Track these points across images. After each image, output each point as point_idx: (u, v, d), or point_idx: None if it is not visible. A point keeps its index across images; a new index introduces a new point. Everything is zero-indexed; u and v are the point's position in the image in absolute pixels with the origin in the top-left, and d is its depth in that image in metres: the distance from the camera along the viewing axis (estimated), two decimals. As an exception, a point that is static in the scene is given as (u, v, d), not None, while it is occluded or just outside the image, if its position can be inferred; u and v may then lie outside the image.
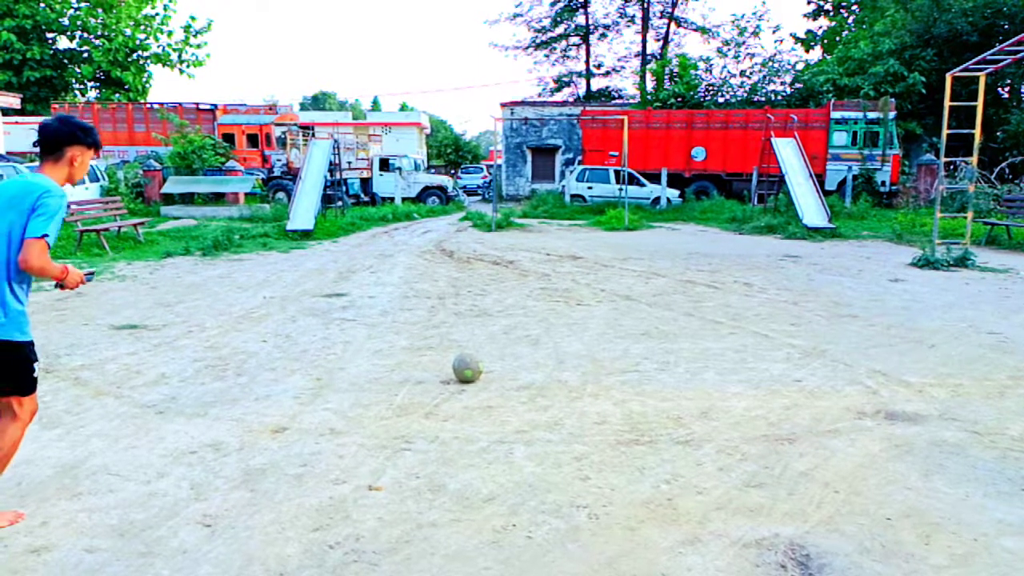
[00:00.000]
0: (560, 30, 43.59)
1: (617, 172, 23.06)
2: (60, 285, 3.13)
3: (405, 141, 38.03)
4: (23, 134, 29.03)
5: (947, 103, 11.59)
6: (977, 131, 11.94)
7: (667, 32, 41.89)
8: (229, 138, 26.89)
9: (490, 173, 37.34)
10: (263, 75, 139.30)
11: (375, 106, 70.35)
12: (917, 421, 4.43)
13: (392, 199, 25.33)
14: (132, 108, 27.98)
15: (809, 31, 38.25)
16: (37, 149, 3.12)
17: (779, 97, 29.08)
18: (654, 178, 23.13)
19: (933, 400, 4.82)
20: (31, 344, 3.10)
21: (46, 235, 2.91)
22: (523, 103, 34.14)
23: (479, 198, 34.83)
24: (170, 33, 36.52)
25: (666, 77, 31.61)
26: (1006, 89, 28.02)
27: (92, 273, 3.40)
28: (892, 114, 23.49)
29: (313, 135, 23.85)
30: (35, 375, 3.15)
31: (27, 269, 2.93)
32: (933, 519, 3.21)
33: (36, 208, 2.91)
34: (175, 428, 4.30)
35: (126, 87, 35.71)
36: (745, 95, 29.35)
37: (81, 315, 7.45)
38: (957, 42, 26.01)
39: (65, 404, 4.72)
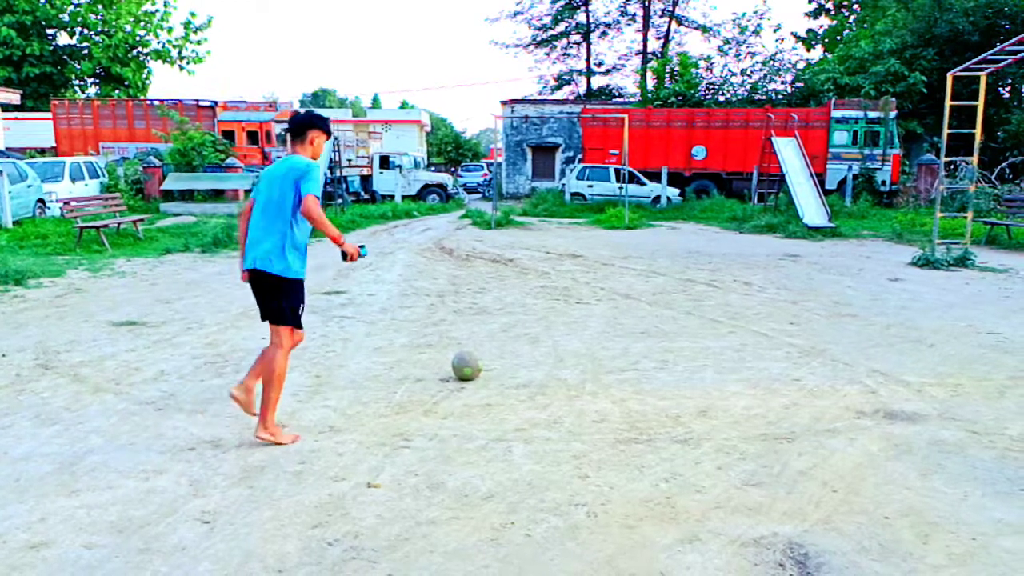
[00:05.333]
0: (561, 28, 43.54)
1: (617, 171, 23.03)
2: (344, 256, 3.99)
3: (405, 139, 37.99)
4: (22, 130, 28.99)
5: (948, 103, 11.59)
6: (978, 131, 11.93)
7: (668, 30, 41.86)
8: (229, 135, 26.85)
9: (490, 171, 37.33)
10: (263, 72, 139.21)
11: (375, 103, 70.33)
12: (916, 421, 4.43)
13: (392, 197, 25.29)
14: (132, 105, 27.91)
15: (810, 30, 38.21)
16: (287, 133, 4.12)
17: (780, 96, 29.03)
18: (654, 177, 23.10)
19: (932, 400, 4.82)
20: (289, 282, 3.94)
21: (316, 195, 3.85)
22: (523, 101, 34.08)
23: (479, 196, 34.82)
24: (170, 29, 36.44)
25: (667, 76, 31.55)
26: (1007, 89, 28.00)
27: (363, 246, 4.13)
28: (893, 113, 23.46)
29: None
30: (291, 306, 3.98)
31: (307, 216, 3.84)
32: (931, 518, 3.22)
33: (305, 176, 3.88)
34: (174, 424, 4.30)
35: (126, 83, 35.62)
36: (746, 94, 29.29)
37: (81, 312, 7.44)
38: (958, 42, 25.98)
39: (64, 400, 4.72)
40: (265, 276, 3.93)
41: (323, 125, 4.14)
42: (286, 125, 4.25)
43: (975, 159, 12.59)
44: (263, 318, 4.06)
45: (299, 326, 4.09)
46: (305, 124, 4.09)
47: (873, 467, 3.76)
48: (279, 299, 3.96)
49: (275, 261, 3.90)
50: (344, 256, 3.99)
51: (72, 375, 5.27)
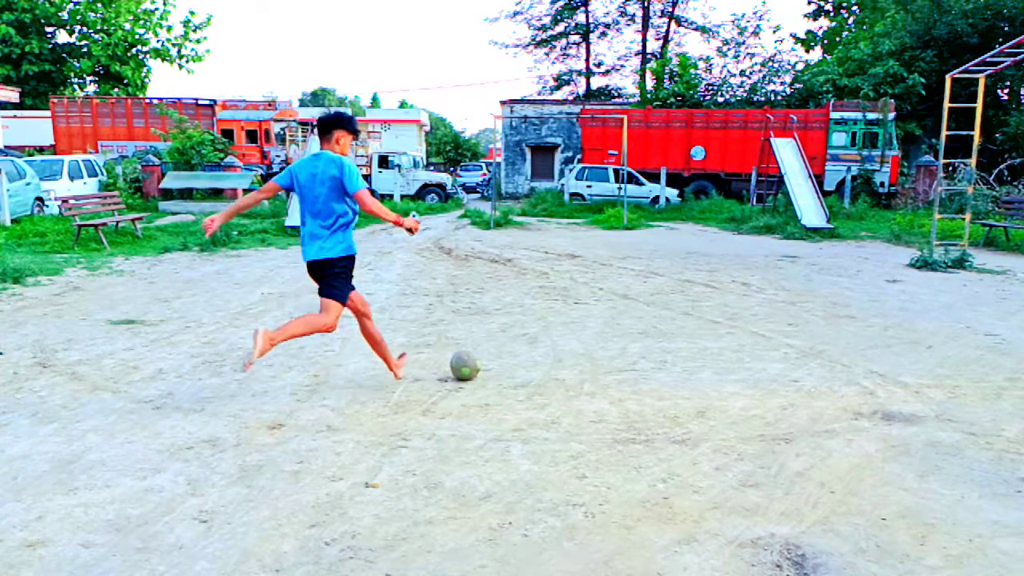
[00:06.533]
0: (560, 28, 43.59)
1: (616, 171, 23.05)
2: (409, 231, 4.58)
3: (404, 138, 38.02)
4: (21, 128, 28.96)
5: (946, 104, 11.60)
6: (976, 133, 11.94)
7: (667, 31, 41.91)
8: (228, 134, 26.83)
9: (489, 171, 37.32)
10: (262, 71, 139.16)
11: (374, 103, 70.25)
12: (914, 422, 4.44)
13: (391, 196, 25.29)
14: (131, 103, 27.88)
15: (809, 31, 38.28)
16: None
17: (779, 97, 29.07)
18: (653, 177, 23.12)
19: (930, 401, 4.83)
20: (346, 259, 4.47)
21: (365, 187, 4.37)
22: (523, 101, 34.07)
23: (478, 196, 34.79)
24: (169, 28, 36.42)
25: (666, 76, 31.58)
26: (1005, 91, 28.02)
27: (414, 212, 4.74)
28: (891, 115, 23.50)
29: (312, 131, 23.80)
30: (341, 288, 4.50)
31: (367, 211, 4.36)
32: (928, 520, 3.22)
33: (345, 174, 4.33)
34: (172, 423, 4.30)
35: (125, 82, 35.58)
36: (745, 95, 29.33)
37: (78, 310, 7.44)
38: (957, 44, 26.02)
39: (62, 399, 4.71)
40: (327, 262, 4.44)
41: (348, 125, 4.47)
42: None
43: (973, 161, 12.60)
44: (320, 294, 4.56)
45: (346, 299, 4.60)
46: (331, 124, 4.43)
47: (870, 468, 3.76)
48: (337, 280, 4.47)
49: (335, 248, 4.41)
50: (409, 231, 4.59)
51: (70, 373, 5.26)
